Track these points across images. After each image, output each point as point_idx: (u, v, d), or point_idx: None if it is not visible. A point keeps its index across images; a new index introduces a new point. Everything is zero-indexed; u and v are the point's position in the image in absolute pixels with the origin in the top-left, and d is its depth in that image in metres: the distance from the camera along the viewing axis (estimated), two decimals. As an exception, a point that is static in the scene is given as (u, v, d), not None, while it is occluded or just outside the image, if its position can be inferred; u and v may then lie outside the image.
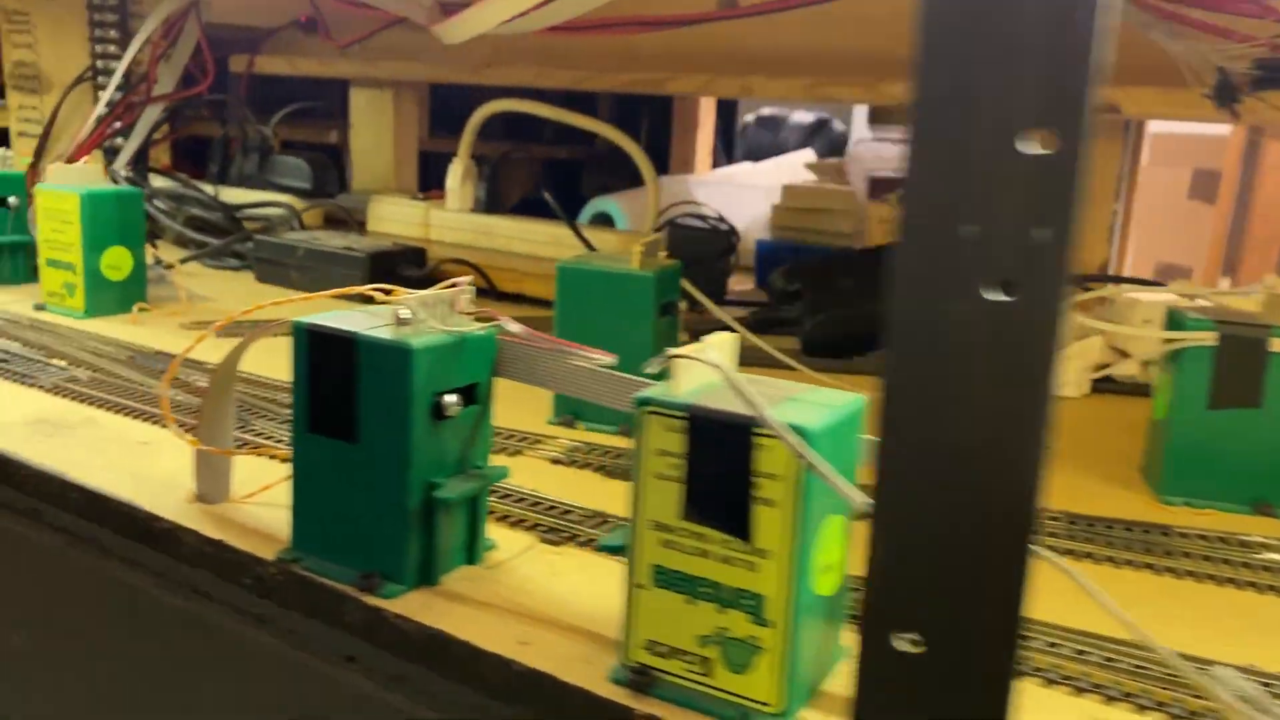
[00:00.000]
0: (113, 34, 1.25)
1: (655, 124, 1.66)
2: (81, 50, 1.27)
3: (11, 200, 0.85)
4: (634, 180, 1.62)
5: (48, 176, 0.78)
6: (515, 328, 0.38)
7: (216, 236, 1.03)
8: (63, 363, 0.64)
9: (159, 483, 0.47)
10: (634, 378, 0.35)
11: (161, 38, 1.11)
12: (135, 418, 0.55)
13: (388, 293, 0.40)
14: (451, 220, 1.06)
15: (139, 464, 0.49)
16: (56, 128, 1.28)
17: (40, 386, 0.59)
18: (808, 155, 1.61)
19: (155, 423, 0.55)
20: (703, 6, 0.95)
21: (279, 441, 0.52)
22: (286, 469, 0.47)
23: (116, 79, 1.09)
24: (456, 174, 1.07)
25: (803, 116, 2.04)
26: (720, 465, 0.31)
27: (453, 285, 0.40)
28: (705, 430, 0.31)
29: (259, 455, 0.50)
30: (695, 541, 0.32)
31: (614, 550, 0.33)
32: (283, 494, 0.45)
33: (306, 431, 0.39)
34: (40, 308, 0.78)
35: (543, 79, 1.13)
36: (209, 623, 0.43)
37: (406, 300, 0.38)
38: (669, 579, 0.32)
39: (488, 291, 0.92)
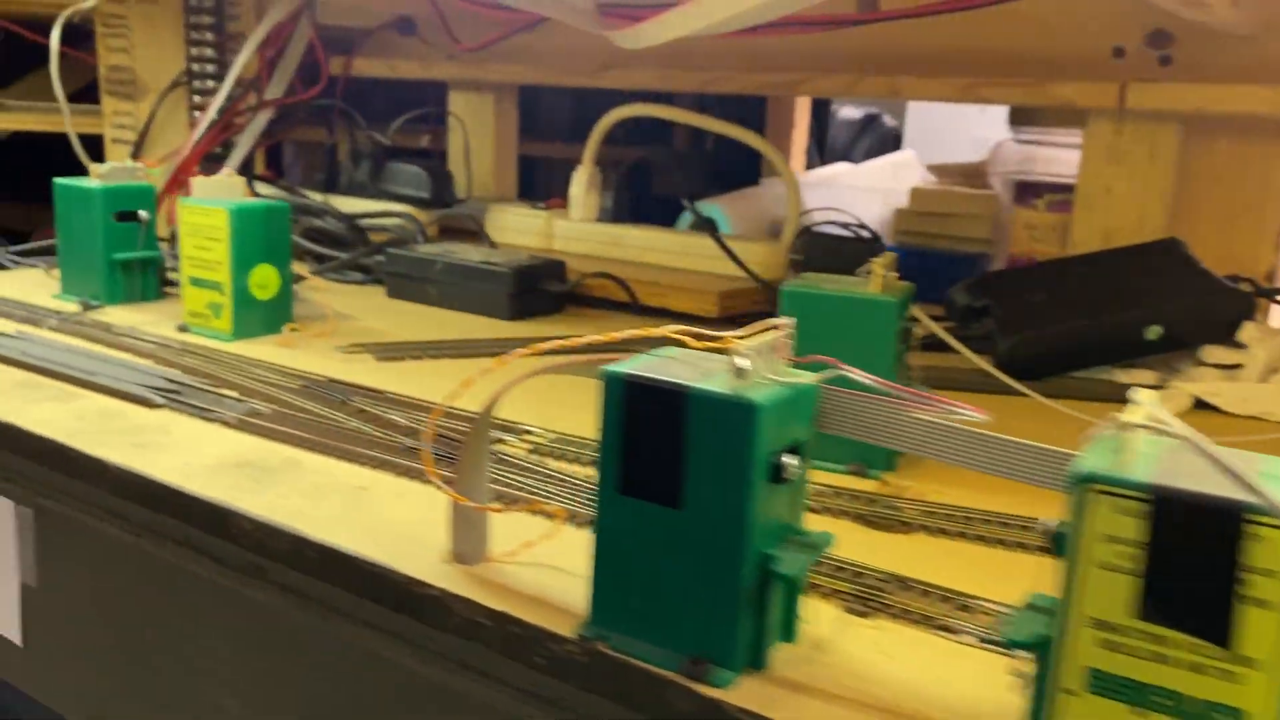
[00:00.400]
0: (209, 36, 1.22)
1: (747, 125, 1.61)
2: (177, 54, 1.23)
3: (142, 214, 0.82)
4: (707, 182, 1.58)
5: (193, 190, 0.74)
6: (864, 378, 0.33)
7: (334, 249, 0.99)
8: (234, 393, 0.60)
9: (400, 537, 0.43)
10: (1023, 442, 0.31)
11: (271, 41, 1.07)
12: (337, 458, 0.51)
13: (716, 338, 0.36)
14: (576, 230, 1.02)
15: (367, 515, 0.45)
16: (151, 134, 1.25)
17: (223, 422, 0.55)
18: (908, 156, 1.56)
19: (360, 463, 0.50)
20: (843, 8, 0.91)
21: (531, 491, 0.48)
22: (546, 525, 0.43)
23: (229, 83, 1.05)
24: (581, 181, 1.03)
25: (851, 112, 1.98)
26: (1196, 558, 0.26)
27: (771, 327, 0.35)
28: (1177, 516, 0.26)
29: (532, 512, 0.45)
30: (1152, 645, 0.27)
31: (1023, 646, 0.29)
32: (547, 553, 0.41)
33: (616, 493, 0.35)
34: (183, 329, 0.74)
35: (666, 82, 1.08)
36: (478, 702, 0.38)
37: (744, 347, 0.33)
38: (1110, 686, 0.28)
39: (628, 306, 0.88)
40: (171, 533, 0.47)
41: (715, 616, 0.34)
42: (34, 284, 0.88)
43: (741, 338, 0.34)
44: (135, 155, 1.25)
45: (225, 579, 0.46)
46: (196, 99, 1.23)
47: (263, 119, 1.08)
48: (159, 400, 0.57)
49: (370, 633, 0.41)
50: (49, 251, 1.02)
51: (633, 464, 0.34)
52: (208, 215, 0.72)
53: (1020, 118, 1.07)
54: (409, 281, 0.89)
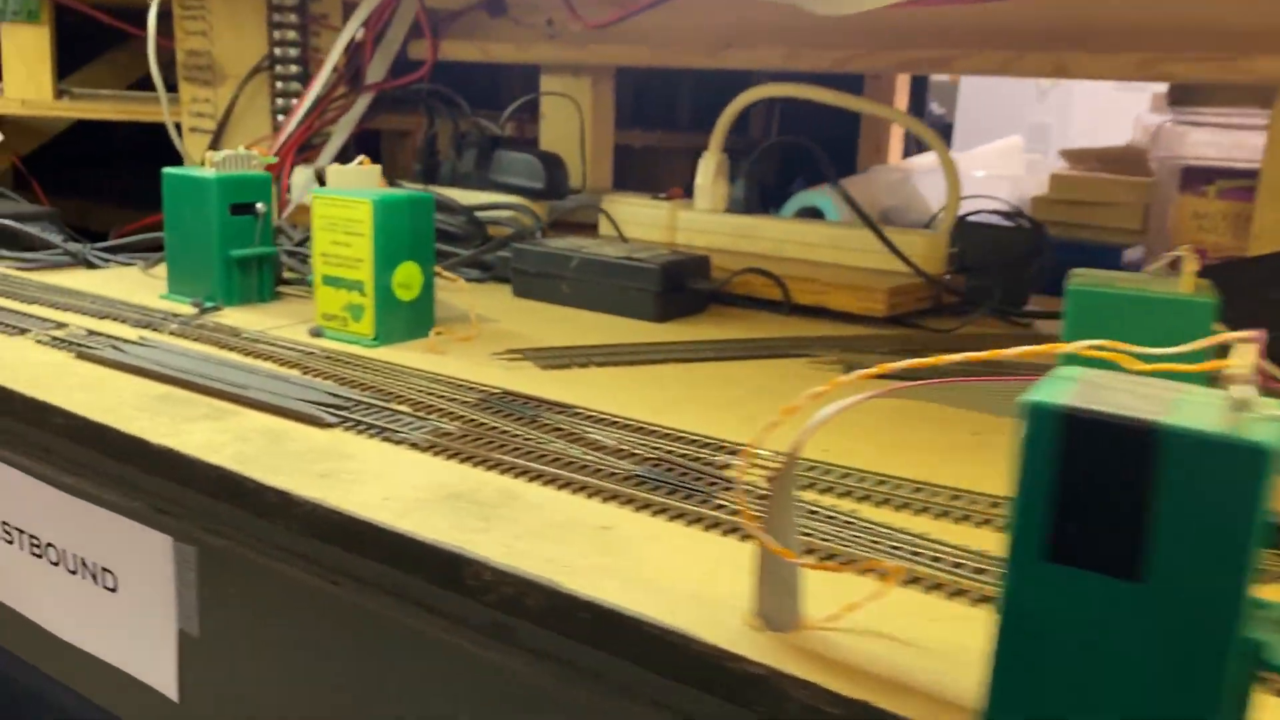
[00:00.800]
0: (292, 19, 1.15)
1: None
2: (258, 38, 1.16)
3: (259, 206, 0.74)
4: (787, 169, 1.49)
5: (328, 179, 0.67)
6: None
7: (447, 244, 0.91)
8: (405, 407, 0.53)
9: (681, 594, 0.35)
10: None
11: (370, 21, 1.00)
12: (560, 488, 0.44)
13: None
14: (704, 222, 0.94)
15: (625, 562, 0.37)
16: (231, 122, 1.18)
17: (412, 445, 0.48)
18: (1014, 141, 1.48)
19: (589, 495, 0.43)
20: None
21: (834, 540, 0.40)
22: (863, 584, 0.36)
23: (329, 66, 0.98)
24: (708, 169, 0.95)
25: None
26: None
27: (1245, 338, 0.27)
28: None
29: (861, 571, 0.38)
30: None
31: None
32: (876, 619, 0.34)
33: (1040, 561, 0.27)
34: (316, 333, 0.67)
35: (794, 60, 1.00)
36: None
37: (1239, 371, 0.25)
38: None
39: (776, 305, 0.80)
40: (379, 580, 0.40)
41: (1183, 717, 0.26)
42: (134, 283, 0.82)
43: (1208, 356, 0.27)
44: (214, 145, 1.18)
45: (455, 637, 0.38)
46: (279, 85, 1.16)
47: (362, 105, 1.01)
48: (330, 419, 0.50)
49: (666, 718, 0.33)
50: (138, 248, 0.95)
51: (1070, 524, 0.27)
52: (347, 207, 0.65)
53: (1182, 97, 0.99)
54: (539, 279, 0.81)
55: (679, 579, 0.36)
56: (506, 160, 1.00)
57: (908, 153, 1.60)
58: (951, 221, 0.87)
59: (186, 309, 0.72)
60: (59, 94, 1.24)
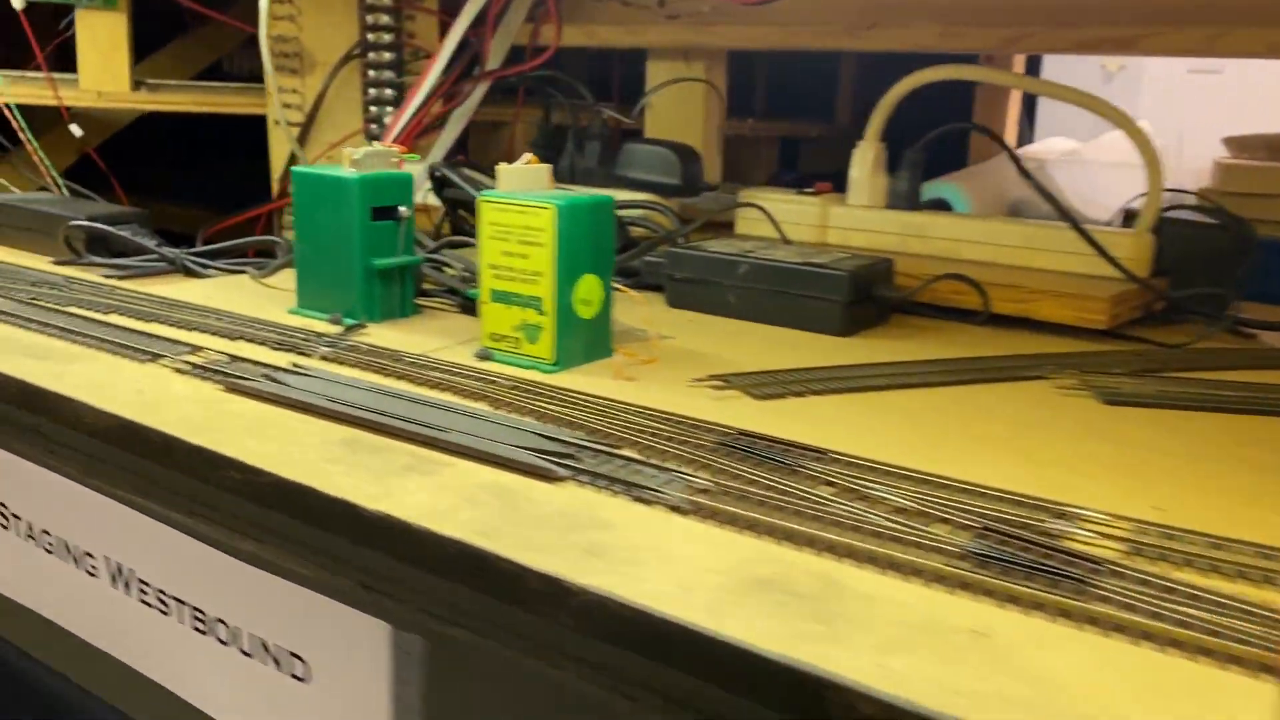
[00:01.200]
0: (386, 2, 1.06)
1: (952, 95, 1.43)
2: (349, 22, 1.08)
3: (402, 210, 0.66)
4: (892, 159, 1.40)
5: (500, 181, 0.58)
6: None
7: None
8: (633, 452, 0.45)
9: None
10: None
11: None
12: (883, 569, 0.35)
13: None
14: (863, 219, 0.85)
15: (1041, 691, 0.29)
16: (321, 114, 1.10)
17: (673, 507, 0.39)
18: (1144, 128, 1.38)
19: (930, 582, 0.34)
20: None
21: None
22: None
23: (449, 50, 0.89)
24: (865, 160, 0.86)
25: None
26: None
27: None
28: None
29: None
30: None
31: None
32: None
33: None
34: (484, 356, 0.59)
35: (951, 41, 0.91)
36: None
37: None
38: None
39: (971, 315, 0.71)
40: (692, 698, 0.32)
41: None
42: (251, 295, 0.74)
43: None
44: (302, 139, 1.10)
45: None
46: (370, 74, 1.08)
47: (479, 94, 0.93)
48: (560, 470, 0.42)
49: None
50: (234, 253, 0.87)
51: None
52: (524, 213, 0.56)
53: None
54: (699, 287, 0.73)
55: (1117, 712, 0.28)
56: (636, 154, 0.91)
57: (1021, 142, 1.50)
58: (1154, 219, 0.77)
59: (324, 326, 0.64)
60: (135, 85, 1.16)
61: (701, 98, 1.10)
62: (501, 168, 0.58)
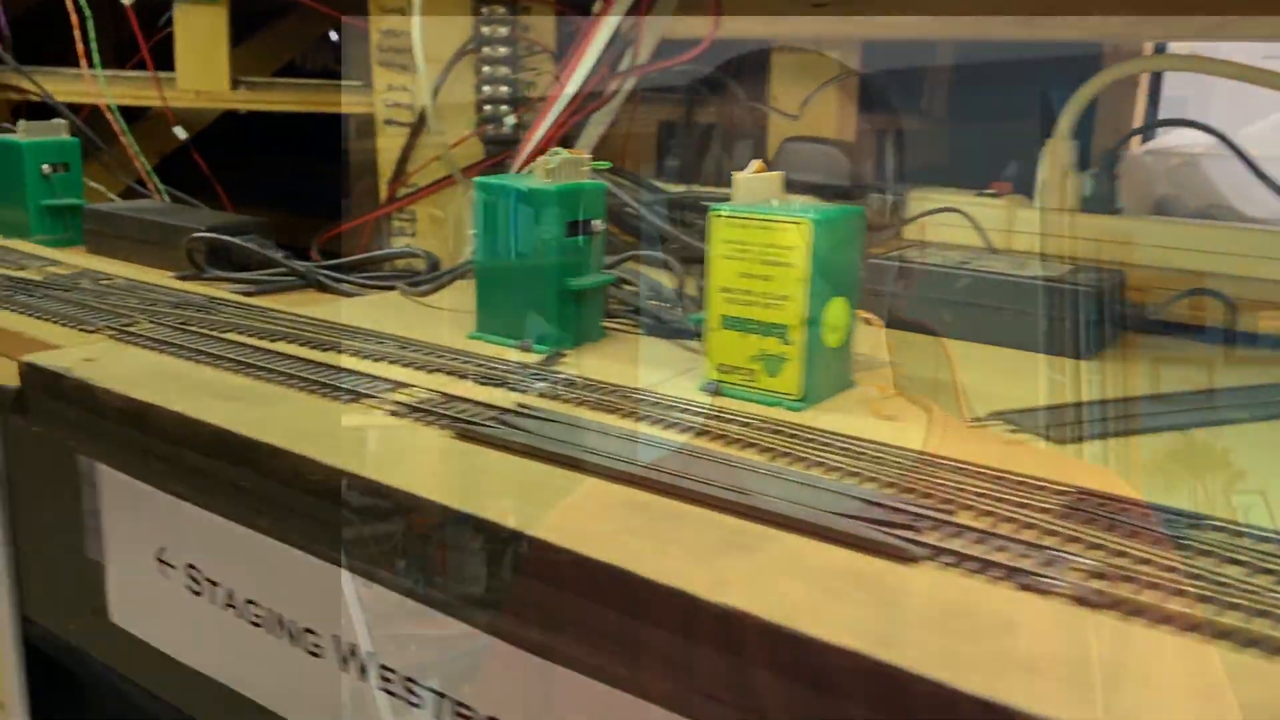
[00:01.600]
0: (501, -7, 1.00)
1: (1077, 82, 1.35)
2: (462, 15, 1.01)
3: (595, 224, 0.59)
4: (959, 157, 1.32)
5: (736, 192, 0.51)
6: None
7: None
8: (969, 519, 0.38)
9: None
10: None
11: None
12: None
13: None
14: (1057, 224, 0.78)
15: None
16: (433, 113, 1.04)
17: (1059, 594, 0.33)
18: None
19: None
20: None
21: None
22: None
23: (600, 44, 0.82)
24: (1056, 160, 0.79)
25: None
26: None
27: None
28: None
29: None
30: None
31: None
32: None
33: None
34: (714, 390, 0.52)
35: (1140, 30, 0.84)
36: None
37: None
38: None
39: (1203, 332, 0.64)
40: None
41: None
42: (414, 316, 0.67)
43: None
44: (411, 140, 1.04)
45: None
46: (484, 70, 1.01)
47: (625, 92, 0.86)
48: (914, 549, 0.35)
49: None
50: (365, 266, 0.81)
51: None
52: (768, 229, 0.49)
53: None
54: (909, 302, 0.66)
55: None
56: (799, 152, 0.84)
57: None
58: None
59: (515, 354, 0.58)
60: (234, 84, 1.09)
61: (850, 93, 1.03)
62: (738, 177, 0.52)
